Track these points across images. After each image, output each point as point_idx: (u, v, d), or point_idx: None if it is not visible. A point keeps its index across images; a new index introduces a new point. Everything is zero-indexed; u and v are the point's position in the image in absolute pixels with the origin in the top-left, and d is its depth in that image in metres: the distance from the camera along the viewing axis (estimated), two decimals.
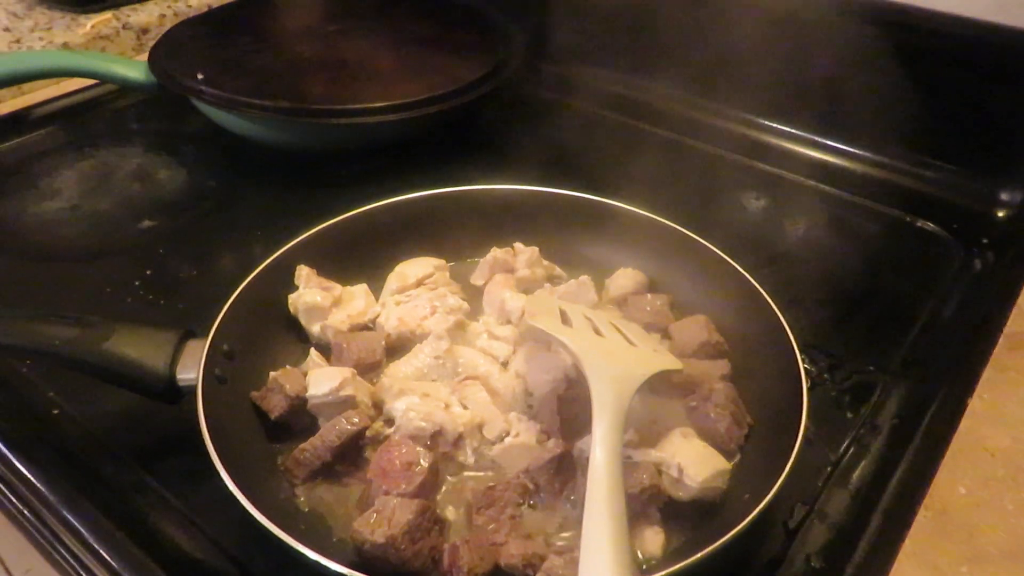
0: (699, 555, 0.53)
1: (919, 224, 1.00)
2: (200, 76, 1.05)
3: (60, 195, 1.03)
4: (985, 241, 0.96)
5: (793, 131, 1.13)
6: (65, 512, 0.64)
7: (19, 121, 1.18)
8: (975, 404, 0.73)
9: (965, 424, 0.71)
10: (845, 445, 0.70)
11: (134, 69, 1.11)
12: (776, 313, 0.72)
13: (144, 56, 1.12)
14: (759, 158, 1.11)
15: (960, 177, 1.04)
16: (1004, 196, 1.01)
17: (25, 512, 0.70)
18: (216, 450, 0.59)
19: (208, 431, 0.60)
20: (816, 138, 1.12)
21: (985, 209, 1.01)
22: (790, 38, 1.04)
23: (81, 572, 0.67)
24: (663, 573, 0.53)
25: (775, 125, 1.15)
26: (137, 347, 0.65)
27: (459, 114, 1.07)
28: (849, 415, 0.74)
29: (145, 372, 0.65)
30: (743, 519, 0.55)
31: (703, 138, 1.15)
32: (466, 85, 1.05)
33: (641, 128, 1.18)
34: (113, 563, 0.61)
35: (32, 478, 0.66)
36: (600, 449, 0.55)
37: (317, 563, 0.53)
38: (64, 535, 0.66)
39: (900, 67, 1.02)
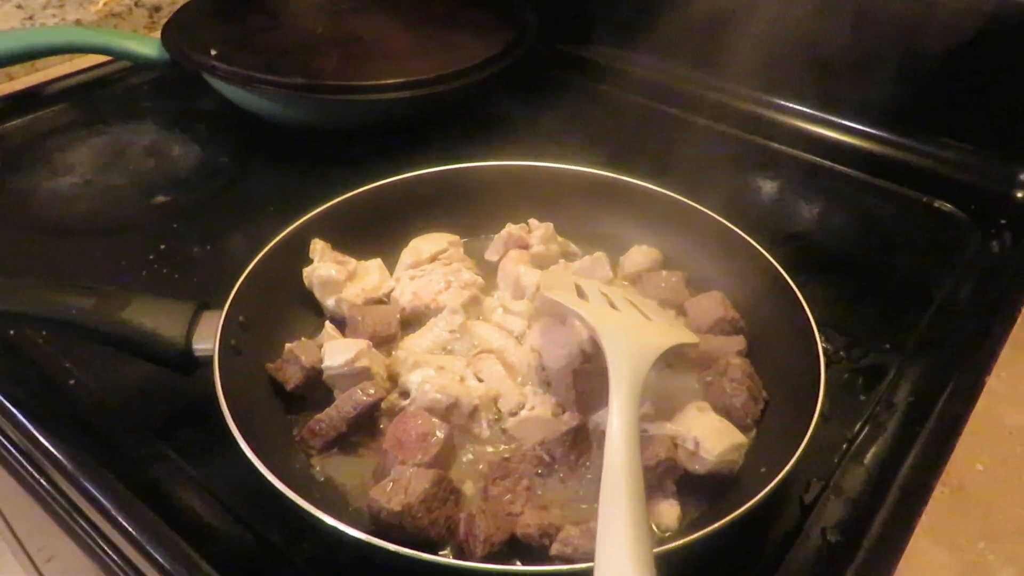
0: (714, 526, 0.53)
1: (936, 204, 0.99)
2: (213, 52, 1.04)
3: (74, 171, 1.03)
4: (1003, 222, 0.95)
5: (809, 111, 1.12)
6: (83, 480, 0.65)
7: (32, 97, 1.18)
8: (993, 383, 0.73)
9: (983, 402, 0.71)
10: (861, 422, 0.70)
11: (147, 46, 1.11)
12: (794, 290, 0.71)
13: (157, 33, 1.11)
14: (774, 137, 1.10)
15: (978, 157, 1.03)
16: (1023, 176, 1.00)
17: (42, 481, 0.71)
18: (234, 420, 0.59)
19: (225, 401, 0.60)
20: (832, 118, 1.11)
21: (1003, 190, 1.00)
22: (809, 18, 1.03)
23: (99, 540, 0.67)
24: (678, 543, 0.53)
25: (791, 104, 1.14)
26: (153, 317, 0.65)
27: (473, 92, 1.07)
28: (865, 393, 0.74)
29: (161, 342, 0.65)
30: (759, 493, 0.55)
31: (718, 117, 1.14)
32: (480, 63, 1.05)
33: (655, 107, 1.17)
34: (132, 530, 0.61)
35: (50, 447, 0.67)
36: (617, 421, 0.55)
37: (334, 529, 0.53)
38: (82, 504, 0.66)
39: (919, 45, 1.01)
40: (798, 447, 0.58)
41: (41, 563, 1.39)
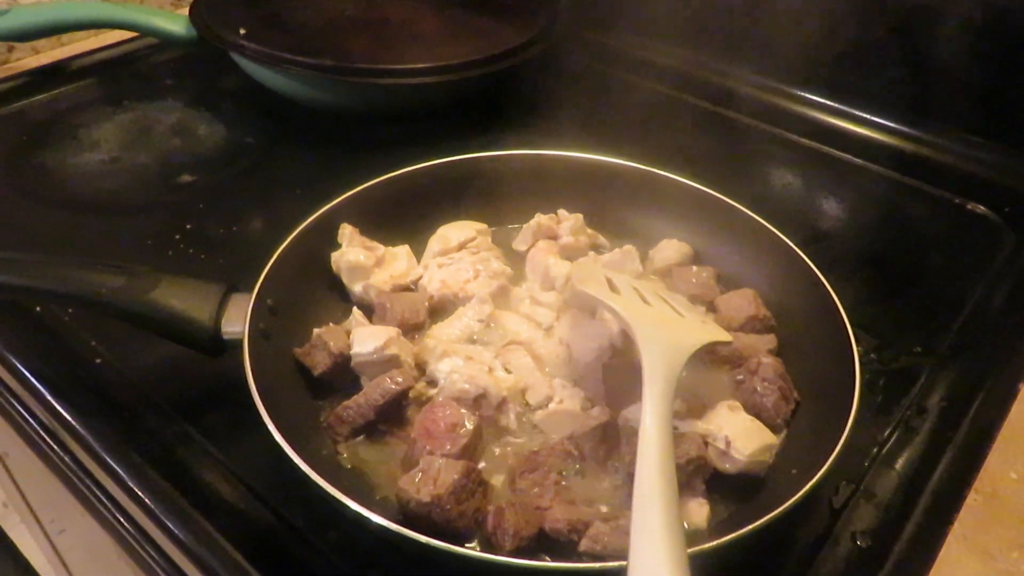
0: (748, 528, 0.53)
1: (969, 207, 0.97)
2: (242, 31, 1.03)
3: (99, 147, 1.03)
4: None
5: (845, 108, 1.11)
6: (108, 459, 0.64)
7: (58, 72, 1.18)
8: None
9: (1017, 408, 0.70)
10: (892, 426, 0.69)
11: (175, 22, 1.11)
12: (828, 289, 0.70)
13: (184, 10, 1.11)
14: (808, 135, 1.09)
15: (1013, 159, 1.01)
16: None
17: (65, 459, 0.71)
18: (263, 403, 0.58)
19: (255, 385, 0.60)
20: (867, 116, 1.09)
21: None
22: (845, 11, 1.01)
23: (120, 517, 0.67)
24: (712, 544, 0.52)
25: (826, 102, 1.12)
26: (182, 298, 0.65)
27: (502, 79, 1.06)
28: (896, 396, 0.73)
29: (190, 324, 0.65)
30: (789, 494, 0.55)
31: (750, 111, 1.12)
32: (510, 49, 1.04)
33: (688, 100, 1.16)
34: (155, 509, 0.61)
35: (76, 424, 0.67)
36: (650, 418, 0.54)
37: (362, 517, 0.53)
38: (106, 482, 0.66)
39: (957, 44, 0.99)
40: (831, 451, 0.57)
41: (54, 535, 1.40)
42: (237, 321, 0.65)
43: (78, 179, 0.98)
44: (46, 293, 0.67)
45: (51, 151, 1.02)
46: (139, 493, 0.62)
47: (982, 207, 0.97)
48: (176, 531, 0.60)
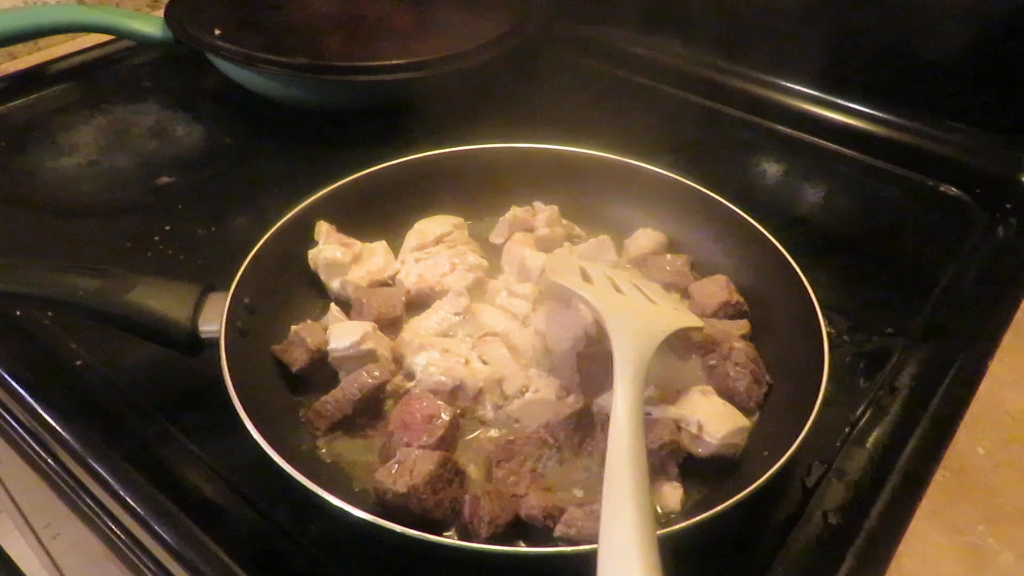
0: (717, 509, 0.54)
1: (941, 188, 0.98)
2: (217, 32, 1.04)
3: (77, 151, 1.03)
4: (1008, 206, 0.95)
5: (814, 93, 1.11)
6: (90, 460, 0.65)
7: (35, 77, 1.18)
8: (996, 367, 0.73)
9: (985, 387, 0.71)
10: (864, 406, 0.70)
11: (150, 24, 1.11)
12: (798, 273, 0.72)
13: (160, 12, 1.11)
14: (779, 120, 1.10)
15: (984, 141, 1.02)
16: None
17: (49, 461, 0.72)
18: (240, 401, 0.59)
19: (232, 382, 0.60)
20: (839, 100, 1.10)
21: (1009, 174, 0.99)
22: (820, 2, 1.02)
23: (106, 519, 0.68)
24: (681, 525, 0.53)
25: (796, 87, 1.13)
26: (159, 299, 0.66)
27: (479, 73, 1.06)
28: (867, 377, 0.74)
29: (167, 323, 0.65)
30: (760, 475, 0.56)
31: (723, 100, 1.13)
32: (486, 43, 1.04)
33: (662, 90, 1.16)
34: (139, 510, 0.62)
35: (57, 427, 0.67)
36: (621, 404, 0.55)
37: (340, 510, 0.54)
38: (89, 483, 0.67)
39: (925, 27, 1.00)
40: (801, 431, 0.59)
41: (47, 540, 1.40)
42: (214, 320, 0.65)
43: (56, 183, 0.98)
44: (23, 297, 0.67)
45: (29, 155, 1.02)
46: (121, 493, 0.63)
47: (954, 189, 0.98)
48: (159, 530, 0.60)
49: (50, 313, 0.77)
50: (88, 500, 0.70)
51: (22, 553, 1.54)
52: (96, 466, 0.65)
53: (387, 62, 0.99)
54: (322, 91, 1.03)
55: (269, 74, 1.00)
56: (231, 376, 0.61)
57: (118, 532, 0.68)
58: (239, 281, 0.68)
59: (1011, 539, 0.60)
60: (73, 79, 1.19)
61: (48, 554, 1.44)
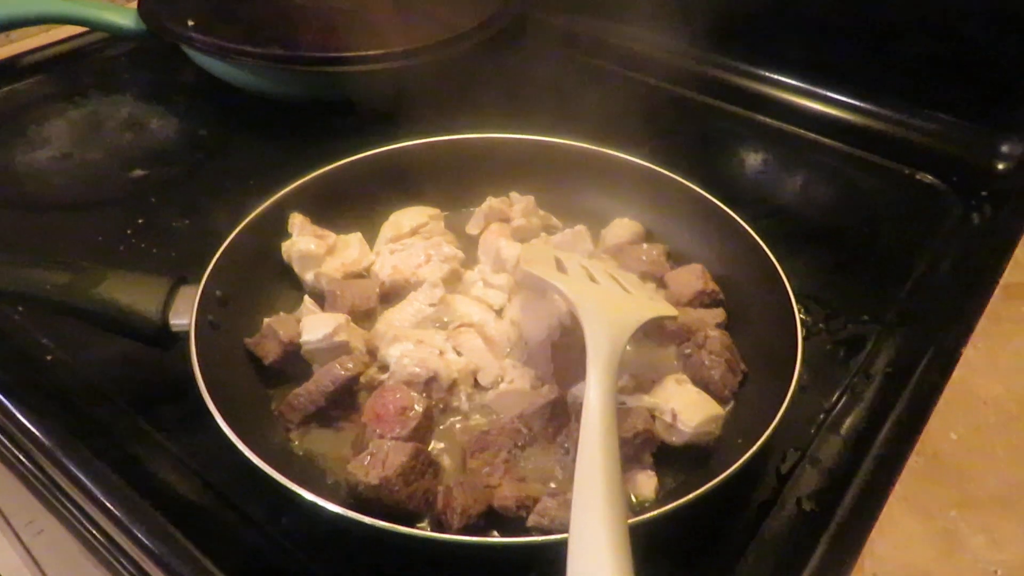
0: (690, 496, 0.54)
1: (918, 177, 0.99)
2: (191, 23, 1.03)
3: (50, 144, 1.02)
4: (984, 194, 0.95)
5: (791, 82, 1.11)
6: (61, 457, 0.64)
7: (7, 69, 1.16)
8: (969, 353, 0.73)
9: (959, 373, 0.71)
10: (839, 393, 0.71)
11: (124, 16, 1.09)
12: (772, 261, 0.72)
13: (134, 4, 1.09)
14: (757, 110, 1.10)
15: (960, 129, 1.03)
16: (1004, 148, 1.00)
17: (21, 458, 0.71)
18: (210, 394, 0.59)
19: (202, 376, 0.60)
20: (816, 89, 1.10)
21: (985, 161, 1.00)
22: None
23: (79, 515, 0.67)
24: (654, 513, 0.53)
25: (773, 76, 1.13)
26: (129, 293, 0.65)
27: (454, 64, 1.05)
28: (843, 364, 0.74)
29: (138, 317, 0.64)
30: (735, 462, 0.56)
31: (701, 89, 1.13)
32: (462, 34, 1.04)
33: (639, 80, 1.16)
34: (110, 506, 0.61)
35: (27, 423, 0.67)
36: (594, 393, 0.55)
37: (313, 504, 0.53)
38: (61, 480, 0.66)
39: (900, 16, 1.00)
40: (775, 417, 0.59)
41: (29, 538, 1.39)
42: (185, 314, 0.65)
43: (28, 177, 0.97)
44: None
45: (0, 149, 1.00)
46: (92, 490, 0.62)
47: (930, 177, 0.98)
48: (130, 526, 0.60)
49: (20, 308, 0.76)
50: (61, 497, 0.69)
51: (2, 551, 1.53)
52: (67, 462, 0.64)
53: (363, 53, 0.98)
54: (297, 82, 1.02)
55: (243, 65, 0.99)
56: (201, 369, 0.60)
57: (91, 528, 0.67)
58: (210, 274, 0.68)
59: (983, 524, 0.60)
60: (46, 72, 1.17)
61: (29, 552, 1.43)
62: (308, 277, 0.76)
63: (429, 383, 0.66)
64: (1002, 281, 0.81)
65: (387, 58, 0.98)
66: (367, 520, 0.52)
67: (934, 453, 0.64)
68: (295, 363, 0.68)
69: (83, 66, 1.19)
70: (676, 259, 0.81)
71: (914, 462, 0.64)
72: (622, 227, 0.82)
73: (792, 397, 0.60)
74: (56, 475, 0.66)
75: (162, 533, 0.59)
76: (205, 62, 1.05)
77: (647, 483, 0.61)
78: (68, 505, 0.68)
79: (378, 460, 0.57)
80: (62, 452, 0.65)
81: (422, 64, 1.00)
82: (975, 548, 0.58)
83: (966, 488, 0.62)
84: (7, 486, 0.89)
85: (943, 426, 0.67)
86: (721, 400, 0.67)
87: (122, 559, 0.65)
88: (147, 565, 0.60)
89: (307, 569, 0.57)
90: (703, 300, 0.74)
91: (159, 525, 0.59)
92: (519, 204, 0.83)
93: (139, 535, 0.59)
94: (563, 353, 0.67)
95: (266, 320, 0.69)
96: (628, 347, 0.60)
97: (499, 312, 0.73)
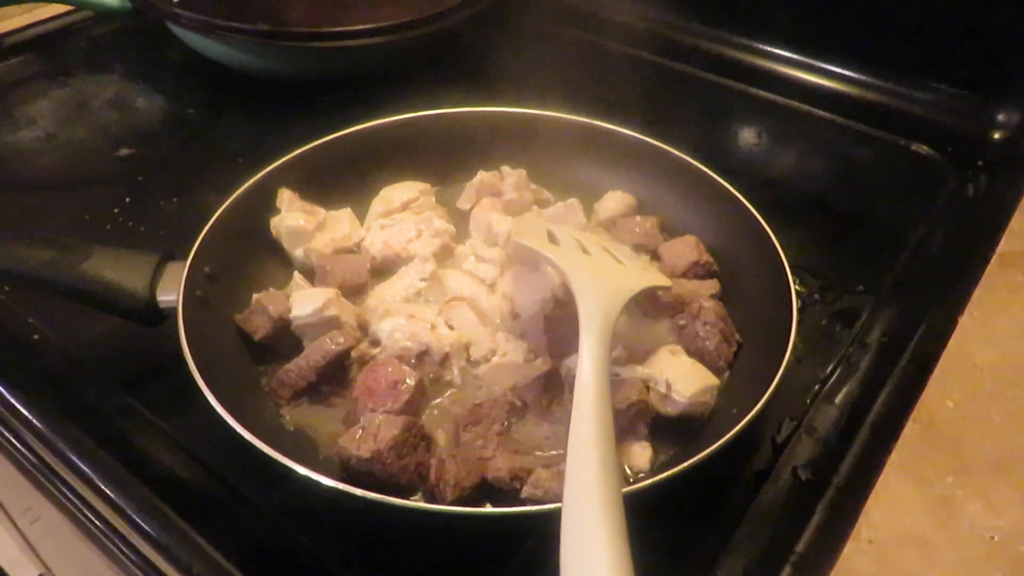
0: (683, 466, 0.53)
1: (914, 147, 0.98)
2: (176, 0, 1.01)
3: (35, 124, 1.00)
4: (980, 163, 0.94)
5: (784, 53, 1.10)
6: (51, 437, 0.63)
7: None
8: (965, 321, 0.73)
9: (955, 341, 0.71)
10: (834, 363, 0.70)
11: None
12: (767, 232, 0.71)
13: None
14: (751, 82, 1.09)
15: (955, 99, 1.02)
16: (1000, 117, 0.99)
17: (11, 439, 0.70)
18: (199, 371, 0.58)
19: (190, 352, 0.59)
20: (809, 61, 1.09)
21: (981, 131, 0.99)
22: None
23: (72, 498, 0.67)
24: (649, 482, 0.53)
25: (766, 47, 1.12)
26: (115, 269, 0.64)
27: (444, 38, 1.04)
28: (839, 335, 0.74)
29: (124, 294, 0.64)
30: (730, 431, 0.55)
31: (694, 62, 1.12)
32: (451, 8, 1.02)
33: (630, 52, 1.15)
34: (102, 486, 0.60)
35: (16, 403, 0.66)
36: (587, 363, 0.54)
37: (307, 478, 0.53)
38: (52, 462, 0.65)
39: None
40: (769, 388, 0.58)
41: (25, 526, 1.38)
42: (172, 290, 0.64)
43: (13, 158, 0.96)
44: None
45: None
46: (84, 469, 0.61)
47: (926, 147, 0.98)
48: (122, 504, 0.59)
49: (7, 288, 0.75)
50: (54, 479, 0.68)
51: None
52: (57, 442, 0.63)
53: (351, 28, 0.97)
54: (284, 59, 1.01)
55: (229, 42, 0.98)
56: (190, 346, 0.60)
57: (84, 510, 0.66)
58: (198, 249, 0.67)
59: (978, 490, 0.60)
60: (30, 51, 1.16)
61: (26, 540, 1.42)
62: (298, 253, 0.75)
63: (421, 357, 0.65)
64: (998, 250, 0.80)
65: (375, 33, 0.97)
66: (360, 493, 0.52)
67: (930, 421, 0.64)
68: (285, 339, 0.68)
69: (68, 45, 1.17)
70: (670, 231, 0.80)
71: (910, 430, 0.63)
72: (615, 200, 0.82)
73: (787, 367, 0.60)
74: (47, 456, 0.66)
75: (154, 511, 0.58)
76: (191, 40, 1.03)
77: (642, 454, 0.61)
78: (61, 487, 0.68)
79: (370, 434, 0.56)
80: (52, 432, 0.64)
81: (410, 39, 0.99)
82: (971, 514, 0.58)
83: (962, 455, 0.62)
84: (1, 472, 0.89)
85: (939, 394, 0.66)
86: (716, 371, 0.66)
87: (116, 540, 0.64)
88: (141, 544, 0.60)
89: (300, 544, 0.57)
90: (697, 271, 0.74)
91: (152, 503, 0.59)
92: (511, 178, 0.82)
93: (131, 514, 0.59)
94: (556, 326, 0.66)
95: (255, 296, 0.68)
96: (622, 318, 0.60)
97: (491, 286, 0.73)
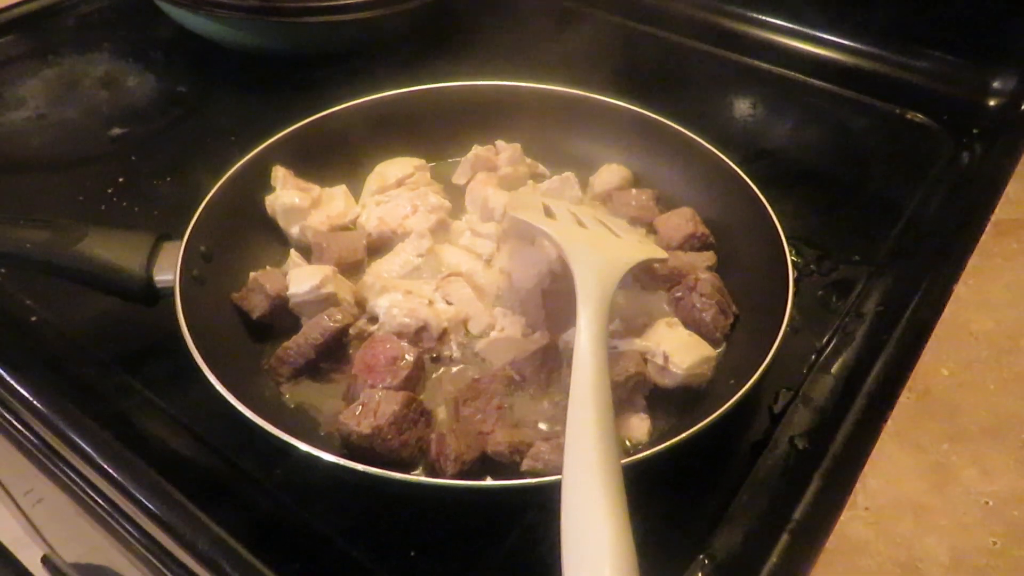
0: (681, 436, 0.54)
1: (909, 116, 0.98)
2: None
3: (25, 104, 0.99)
4: (975, 131, 0.94)
5: (778, 22, 1.09)
6: (52, 418, 0.64)
7: None
8: (960, 290, 0.73)
9: (950, 309, 0.71)
10: (830, 333, 0.71)
11: None
12: (763, 203, 0.71)
13: None
14: (744, 51, 1.08)
15: (951, 66, 1.01)
16: (996, 85, 0.98)
17: (12, 421, 0.70)
18: (198, 350, 0.58)
19: (189, 331, 0.59)
20: (803, 29, 1.08)
21: (976, 98, 0.98)
22: None
23: (74, 477, 0.67)
24: (647, 453, 0.53)
25: (760, 16, 1.11)
26: (111, 249, 0.64)
27: (436, 11, 1.03)
28: (835, 305, 0.74)
29: (121, 274, 0.64)
30: (727, 401, 0.56)
31: (687, 32, 1.11)
32: None
33: (623, 23, 1.14)
34: (104, 465, 0.60)
35: (16, 384, 0.66)
36: (584, 336, 0.55)
37: (308, 455, 0.53)
38: (54, 442, 0.66)
39: None
40: (766, 357, 0.58)
41: (28, 507, 1.39)
42: (169, 269, 0.64)
43: (4, 139, 0.95)
44: None
45: None
46: (85, 448, 0.62)
47: (921, 116, 0.97)
48: (124, 483, 0.60)
49: (3, 270, 0.75)
50: (56, 459, 0.69)
51: (3, 520, 1.53)
52: (58, 423, 0.63)
53: (341, 2, 0.96)
54: (274, 34, 1.00)
55: (219, 18, 0.97)
56: (188, 325, 0.60)
57: (86, 488, 0.67)
58: (193, 228, 0.67)
59: (974, 456, 0.60)
60: (19, 30, 1.14)
61: (29, 520, 1.43)
62: (293, 231, 0.75)
63: (419, 333, 0.66)
64: (993, 217, 0.80)
65: (366, 6, 0.96)
66: (361, 468, 0.52)
67: (926, 389, 0.65)
68: (283, 317, 0.68)
69: (56, 24, 1.16)
70: (666, 204, 0.80)
71: (906, 398, 0.64)
72: (610, 173, 0.81)
73: (783, 337, 0.60)
74: (48, 437, 0.66)
75: (157, 489, 0.59)
76: (181, 16, 1.02)
77: (640, 426, 0.61)
78: (63, 467, 0.68)
79: (370, 410, 0.57)
80: (53, 413, 0.64)
81: (402, 12, 0.97)
82: (966, 480, 0.59)
83: (957, 422, 0.62)
84: (3, 453, 0.89)
85: (935, 362, 0.67)
86: (713, 342, 0.67)
87: (119, 517, 0.65)
88: (143, 522, 0.60)
89: (302, 519, 0.57)
90: (693, 243, 0.74)
91: (154, 481, 0.59)
92: (505, 152, 0.82)
93: (134, 492, 0.59)
94: (554, 300, 0.67)
95: (252, 274, 0.69)
96: (618, 291, 0.60)
97: (488, 261, 0.73)
